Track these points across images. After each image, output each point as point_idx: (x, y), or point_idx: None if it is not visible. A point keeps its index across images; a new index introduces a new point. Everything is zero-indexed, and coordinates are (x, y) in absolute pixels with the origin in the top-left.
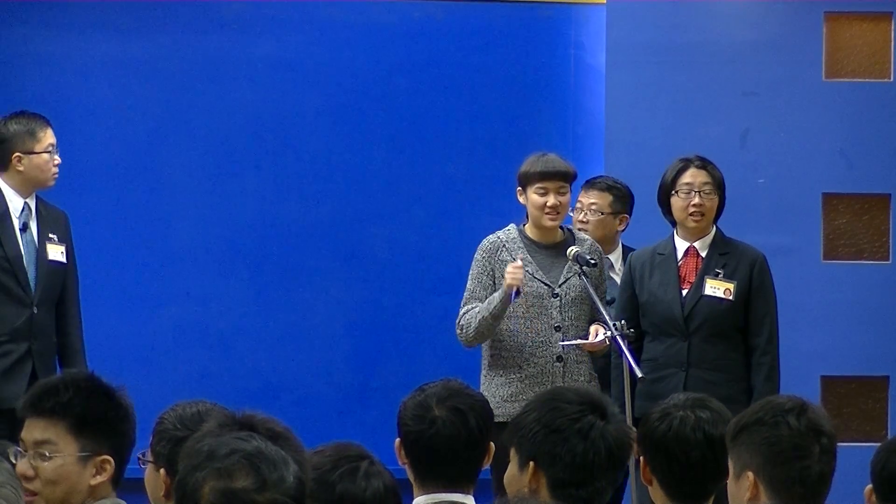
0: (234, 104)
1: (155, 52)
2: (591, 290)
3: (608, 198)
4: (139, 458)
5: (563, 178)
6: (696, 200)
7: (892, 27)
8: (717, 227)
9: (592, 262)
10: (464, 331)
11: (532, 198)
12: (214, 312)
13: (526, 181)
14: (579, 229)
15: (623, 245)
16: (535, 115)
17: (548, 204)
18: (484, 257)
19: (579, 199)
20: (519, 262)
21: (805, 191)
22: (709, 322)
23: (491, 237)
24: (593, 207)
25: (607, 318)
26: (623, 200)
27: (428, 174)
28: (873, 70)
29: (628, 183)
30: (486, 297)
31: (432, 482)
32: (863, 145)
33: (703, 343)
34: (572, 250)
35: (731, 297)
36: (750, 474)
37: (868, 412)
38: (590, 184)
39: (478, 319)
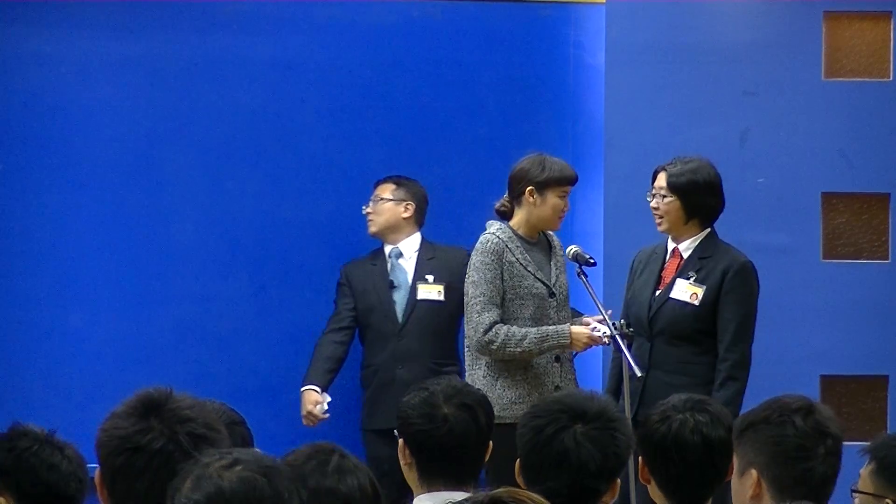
0: (234, 104)
1: (155, 52)
2: (591, 289)
3: None
4: None
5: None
6: (653, 203)
7: (892, 27)
8: (711, 229)
9: (591, 260)
10: (496, 346)
11: (553, 201)
12: (214, 312)
13: (546, 185)
14: None
15: None
16: (535, 114)
17: (565, 208)
18: (493, 260)
19: None
20: (600, 335)
21: (805, 190)
22: (671, 325)
23: (493, 238)
24: None
25: (606, 317)
26: None
27: (428, 174)
28: (873, 70)
29: (627, 183)
30: (498, 301)
31: (439, 480)
32: (862, 145)
33: (664, 345)
34: (572, 249)
35: (696, 302)
36: (754, 472)
37: (868, 412)
38: None
39: (523, 349)
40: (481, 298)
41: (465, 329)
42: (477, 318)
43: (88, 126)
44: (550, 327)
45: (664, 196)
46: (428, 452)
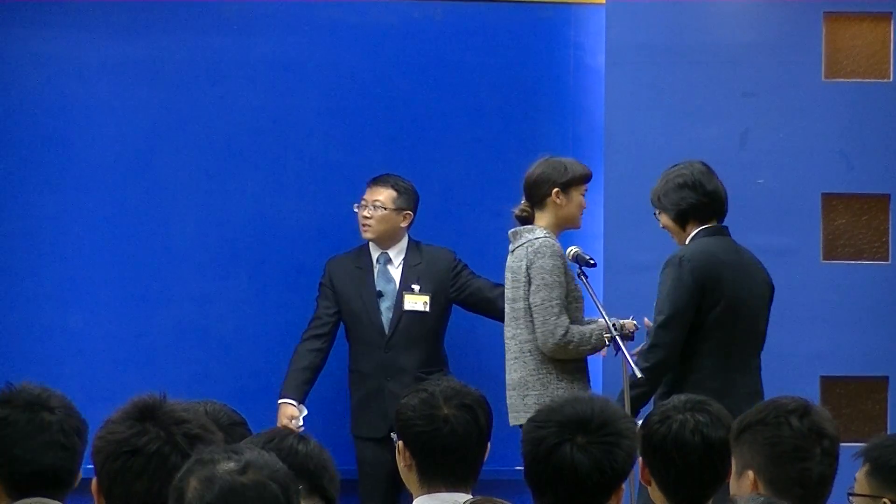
0: (234, 104)
1: (155, 52)
2: (592, 291)
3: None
4: None
5: None
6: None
7: (892, 27)
8: (705, 227)
9: (592, 262)
10: (572, 346)
11: (578, 199)
12: (214, 312)
13: (571, 184)
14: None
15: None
16: (535, 115)
17: (584, 205)
18: (562, 264)
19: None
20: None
21: (805, 191)
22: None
23: (554, 244)
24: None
25: (606, 318)
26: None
27: (428, 174)
28: (873, 70)
29: (627, 183)
30: (565, 304)
31: (440, 481)
32: (862, 145)
33: None
34: (572, 250)
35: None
36: (751, 473)
37: (868, 412)
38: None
39: (592, 345)
40: (557, 302)
41: (535, 331)
42: (555, 321)
43: (88, 126)
44: (601, 320)
45: (657, 216)
46: (429, 454)
